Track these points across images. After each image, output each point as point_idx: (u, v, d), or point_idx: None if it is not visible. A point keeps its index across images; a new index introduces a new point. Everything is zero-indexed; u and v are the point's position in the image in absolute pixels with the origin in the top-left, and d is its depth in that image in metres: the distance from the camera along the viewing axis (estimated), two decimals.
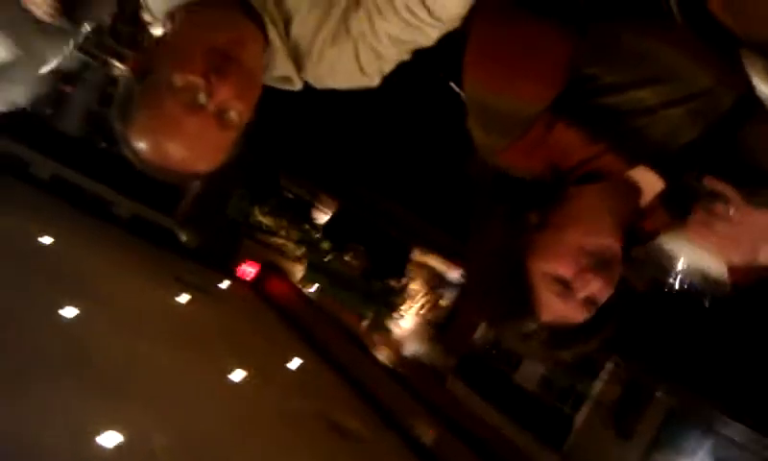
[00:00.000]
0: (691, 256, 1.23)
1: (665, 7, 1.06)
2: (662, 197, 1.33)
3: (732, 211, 1.17)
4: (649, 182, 1.32)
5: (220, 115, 1.16)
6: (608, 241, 1.26)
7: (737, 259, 1.22)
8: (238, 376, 6.03)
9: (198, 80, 1.14)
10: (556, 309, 1.29)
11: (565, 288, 1.27)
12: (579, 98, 1.25)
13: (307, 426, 5.91)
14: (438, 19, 1.21)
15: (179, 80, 1.14)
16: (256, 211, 6.24)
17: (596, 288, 1.26)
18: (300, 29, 1.30)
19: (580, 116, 1.26)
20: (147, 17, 1.33)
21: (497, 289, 1.36)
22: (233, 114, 1.18)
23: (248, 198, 6.13)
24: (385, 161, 3.29)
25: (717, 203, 1.18)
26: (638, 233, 1.37)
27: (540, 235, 1.30)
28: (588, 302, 1.28)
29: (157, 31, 1.32)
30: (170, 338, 5.97)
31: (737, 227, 1.18)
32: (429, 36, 1.26)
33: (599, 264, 1.26)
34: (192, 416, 4.96)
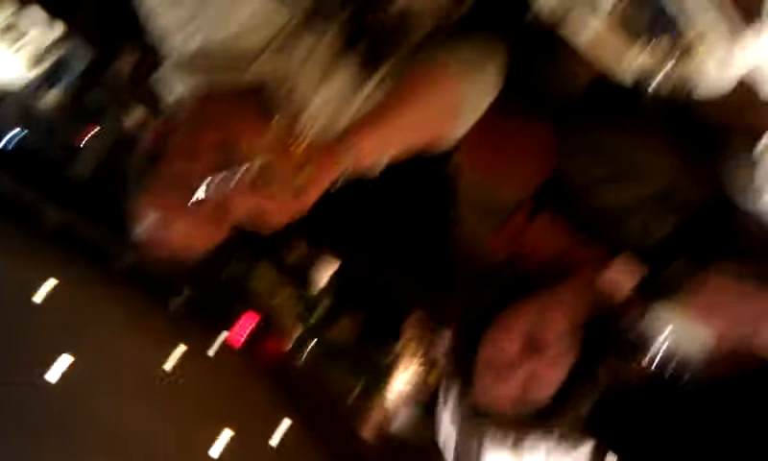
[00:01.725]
0: (678, 332, 1.25)
1: (643, 104, 1.11)
2: (640, 288, 1.36)
3: (734, 294, 1.21)
4: (624, 277, 1.35)
5: (219, 210, 1.18)
6: (561, 331, 1.29)
7: (730, 338, 1.24)
8: (221, 443, 5.97)
9: (200, 176, 1.15)
10: (488, 388, 1.31)
11: (500, 372, 1.29)
12: (560, 191, 1.30)
13: None
14: None
15: (182, 172, 1.16)
16: (254, 273, 6.25)
17: (530, 374, 1.29)
18: (314, 113, 1.33)
19: (560, 209, 1.30)
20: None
21: (457, 360, 1.39)
22: (232, 209, 1.19)
23: (246, 260, 6.15)
24: (384, 228, 3.32)
25: (719, 285, 1.22)
26: (614, 325, 1.40)
27: (500, 315, 1.33)
28: (525, 381, 1.30)
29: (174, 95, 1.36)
30: (155, 398, 5.90)
31: (735, 308, 1.22)
32: None
33: (542, 351, 1.28)
34: None
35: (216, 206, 1.17)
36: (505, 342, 1.31)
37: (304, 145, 1.04)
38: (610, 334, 1.38)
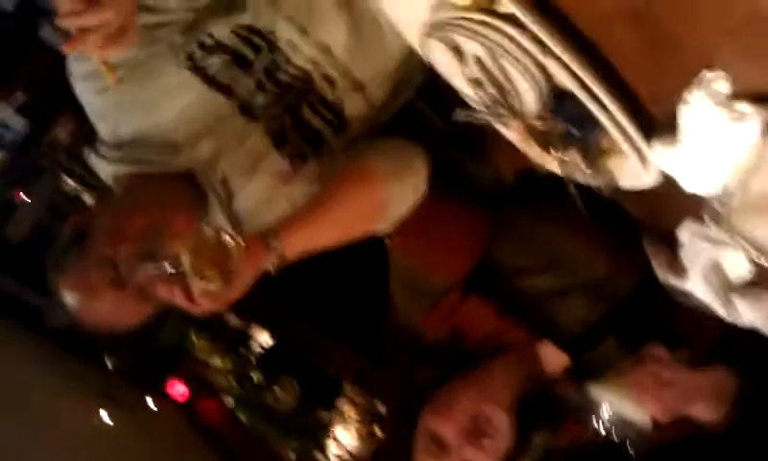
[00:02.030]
0: (616, 406, 1.27)
1: (571, 195, 1.15)
2: (569, 371, 1.39)
3: (668, 373, 1.24)
4: (554, 358, 1.38)
5: (141, 293, 1.19)
6: (499, 414, 1.31)
7: (667, 414, 1.27)
8: None
9: (125, 259, 1.17)
10: None
11: (440, 450, 1.30)
12: (489, 277, 1.33)
13: None
14: None
15: (107, 254, 1.18)
16: (192, 335, 6.10)
17: (472, 455, 1.29)
18: (244, 203, 1.35)
19: (489, 293, 1.33)
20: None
21: (394, 437, 1.40)
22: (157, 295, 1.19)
23: (184, 322, 6.00)
24: (322, 298, 3.33)
25: (653, 364, 1.25)
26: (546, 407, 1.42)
27: (438, 392, 1.34)
28: None
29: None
30: (91, 457, 5.66)
31: (670, 386, 1.24)
32: None
33: (482, 434, 1.29)
34: None
35: (140, 288, 1.16)
36: (446, 423, 1.32)
37: (232, 248, 1.04)
38: (543, 406, 1.40)
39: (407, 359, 1.42)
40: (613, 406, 1.27)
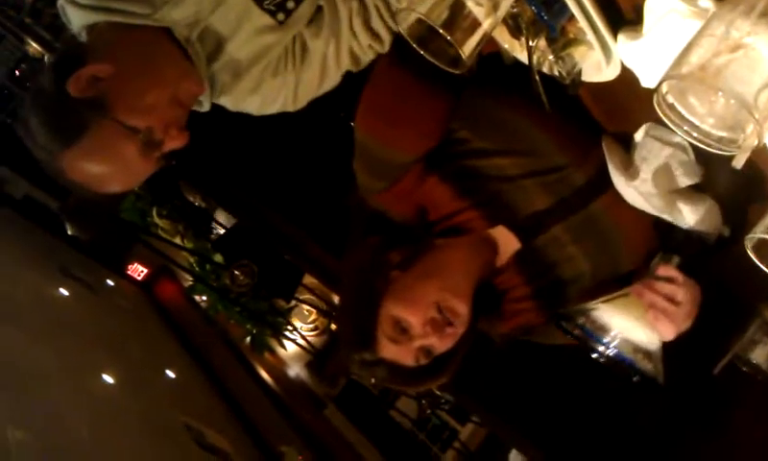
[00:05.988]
0: (626, 330, 1.25)
1: (533, 88, 1.16)
2: (517, 256, 1.44)
3: (681, 294, 1.23)
4: (506, 242, 1.43)
5: (160, 154, 1.28)
6: (461, 303, 1.36)
7: (676, 335, 1.26)
8: (110, 378, 5.83)
9: (157, 131, 1.25)
10: (389, 350, 1.37)
11: (403, 333, 1.35)
12: (450, 157, 1.36)
13: (174, 440, 5.76)
14: None
15: (138, 125, 1.24)
16: (154, 213, 6.10)
17: (433, 341, 1.35)
18: (225, 64, 1.39)
19: (449, 173, 1.36)
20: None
21: (351, 316, 1.44)
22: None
23: (147, 198, 5.99)
24: (284, 183, 3.36)
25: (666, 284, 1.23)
26: (492, 290, 1.48)
27: (401, 277, 1.38)
28: (423, 350, 1.37)
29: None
30: (43, 329, 5.69)
31: (681, 306, 1.23)
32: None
33: (445, 321, 1.35)
34: (55, 413, 4.75)
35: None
36: (413, 313, 1.36)
37: None
38: (489, 294, 1.45)
39: (378, 240, 1.45)
40: (623, 331, 1.25)
